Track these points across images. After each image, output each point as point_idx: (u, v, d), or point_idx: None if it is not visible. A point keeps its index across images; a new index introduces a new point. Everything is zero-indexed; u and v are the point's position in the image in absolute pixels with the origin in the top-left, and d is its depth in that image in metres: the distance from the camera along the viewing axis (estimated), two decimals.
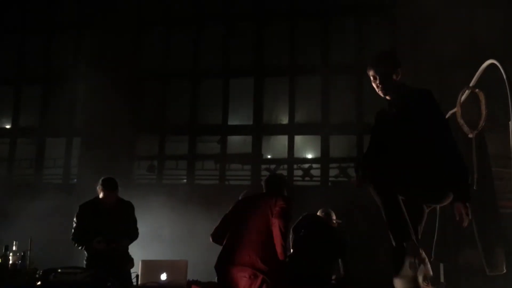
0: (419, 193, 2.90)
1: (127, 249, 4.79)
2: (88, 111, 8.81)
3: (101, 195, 4.67)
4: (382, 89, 3.02)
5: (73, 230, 4.69)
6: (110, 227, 4.57)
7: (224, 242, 4.00)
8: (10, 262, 3.99)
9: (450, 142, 2.83)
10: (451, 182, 2.82)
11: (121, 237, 4.60)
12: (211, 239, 4.13)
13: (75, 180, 8.96)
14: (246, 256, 3.77)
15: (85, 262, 4.64)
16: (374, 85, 3.07)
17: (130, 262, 4.68)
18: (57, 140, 9.23)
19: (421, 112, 2.87)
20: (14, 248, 4.08)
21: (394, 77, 2.99)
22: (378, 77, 3.01)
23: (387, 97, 3.05)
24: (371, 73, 3.05)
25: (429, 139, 2.83)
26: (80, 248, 4.63)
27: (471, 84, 3.93)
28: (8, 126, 9.60)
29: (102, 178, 4.74)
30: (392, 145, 2.99)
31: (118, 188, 4.73)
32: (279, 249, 3.79)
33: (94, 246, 4.46)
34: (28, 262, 4.02)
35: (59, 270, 3.77)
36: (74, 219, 4.71)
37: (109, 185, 4.66)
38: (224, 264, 3.87)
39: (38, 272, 3.96)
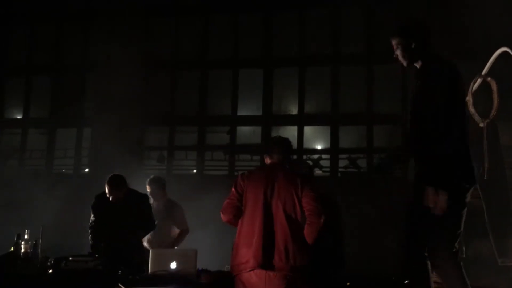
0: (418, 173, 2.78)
1: (140, 240, 4.80)
2: (98, 102, 8.85)
3: (106, 191, 4.65)
4: (401, 59, 2.93)
5: (90, 220, 4.75)
6: (119, 222, 4.57)
7: (240, 237, 3.37)
8: (22, 250, 4.03)
9: (436, 121, 2.66)
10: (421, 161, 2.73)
11: (130, 232, 4.58)
12: (226, 223, 3.57)
13: (86, 170, 9.04)
14: (277, 257, 3.23)
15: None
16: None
17: (141, 254, 4.67)
18: (67, 130, 9.30)
19: (428, 86, 2.75)
20: (26, 236, 4.12)
21: (412, 46, 2.87)
22: (395, 47, 2.94)
23: (416, 65, 2.94)
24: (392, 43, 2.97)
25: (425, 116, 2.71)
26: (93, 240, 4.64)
27: (483, 73, 3.88)
28: (19, 117, 9.68)
29: (110, 174, 4.68)
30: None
31: (123, 185, 4.62)
32: (310, 241, 3.35)
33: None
34: (39, 250, 4.06)
35: (70, 259, 3.81)
36: (91, 210, 4.76)
37: (112, 184, 4.58)
38: (246, 268, 3.25)
39: (49, 260, 4.00)
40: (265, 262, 3.22)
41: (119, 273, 3.71)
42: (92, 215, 4.74)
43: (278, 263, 3.23)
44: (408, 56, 2.90)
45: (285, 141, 3.68)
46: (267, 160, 3.63)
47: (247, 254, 3.26)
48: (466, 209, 2.77)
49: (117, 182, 4.61)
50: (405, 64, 2.95)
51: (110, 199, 4.61)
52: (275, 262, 3.23)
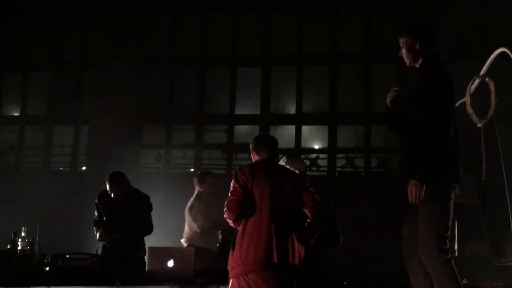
0: (406, 171, 2.82)
1: (141, 238, 4.79)
2: (96, 99, 8.83)
3: (107, 187, 4.66)
4: (405, 57, 2.98)
5: (94, 216, 4.78)
6: (120, 219, 4.58)
7: (245, 236, 3.10)
8: (19, 247, 4.01)
9: (425, 117, 2.74)
10: (412, 159, 2.77)
11: (125, 231, 4.56)
12: (232, 222, 3.22)
13: (83, 167, 9.02)
14: (285, 256, 3.05)
15: (101, 249, 4.68)
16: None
17: (141, 250, 4.68)
18: (65, 128, 9.28)
19: (420, 84, 2.83)
20: (22, 234, 4.10)
21: (417, 46, 2.92)
22: (401, 46, 2.99)
23: (416, 65, 2.99)
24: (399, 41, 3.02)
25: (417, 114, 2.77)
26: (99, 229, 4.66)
27: (481, 73, 3.87)
28: (16, 114, 9.65)
29: (110, 172, 4.70)
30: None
31: (124, 182, 4.65)
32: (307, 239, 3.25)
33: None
34: (36, 247, 4.04)
35: (67, 256, 3.80)
36: (95, 206, 4.79)
37: (112, 181, 4.60)
38: (255, 270, 3.01)
39: (46, 257, 3.98)
40: (277, 261, 3.03)
41: (117, 271, 3.69)
42: (95, 211, 4.76)
43: (287, 262, 3.07)
44: (412, 56, 2.94)
45: (274, 140, 3.56)
46: (255, 157, 3.48)
47: (256, 254, 3.03)
48: (452, 207, 2.81)
49: (117, 179, 4.62)
50: (407, 63, 2.99)
51: (112, 195, 4.61)
52: (284, 261, 3.05)
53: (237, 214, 3.16)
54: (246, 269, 3.04)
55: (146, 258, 4.43)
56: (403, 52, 2.96)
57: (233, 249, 3.15)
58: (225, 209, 3.21)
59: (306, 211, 3.28)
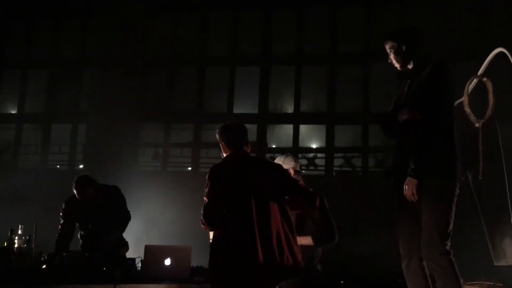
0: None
1: (123, 231, 4.75)
2: (94, 98, 8.82)
3: (77, 194, 4.59)
4: (394, 62, 3.07)
5: (59, 226, 4.66)
6: (97, 221, 4.55)
7: (225, 241, 2.86)
8: (16, 245, 4.00)
9: (431, 119, 2.76)
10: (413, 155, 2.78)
11: (111, 230, 4.52)
12: (206, 227, 2.96)
13: (81, 166, 9.01)
14: (269, 256, 2.81)
15: (79, 249, 4.65)
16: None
17: (124, 247, 4.66)
18: (62, 126, 9.26)
19: (424, 82, 2.87)
20: (19, 232, 4.08)
21: (403, 49, 3.00)
22: (388, 52, 3.09)
23: (409, 67, 3.07)
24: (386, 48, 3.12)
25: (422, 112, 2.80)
26: (56, 247, 4.52)
27: (479, 73, 3.88)
28: (14, 112, 9.63)
29: (76, 176, 4.64)
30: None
31: (90, 185, 4.57)
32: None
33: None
34: (33, 245, 4.03)
35: (64, 254, 3.79)
36: (61, 214, 4.69)
37: (77, 185, 4.54)
38: (243, 274, 2.80)
39: (43, 255, 3.98)
40: (262, 261, 2.80)
41: (115, 271, 3.68)
42: (62, 221, 4.68)
43: (273, 260, 2.84)
44: (401, 59, 3.03)
45: (243, 127, 3.26)
46: (225, 149, 3.19)
47: (238, 256, 2.82)
48: (455, 204, 2.82)
49: (82, 183, 4.56)
50: (398, 67, 3.08)
51: (83, 200, 4.56)
52: (270, 260, 2.82)
53: (214, 220, 2.91)
54: (229, 273, 2.86)
55: (136, 255, 4.43)
56: (392, 56, 3.05)
57: (212, 254, 2.93)
58: (201, 217, 2.93)
59: (296, 196, 3.07)
